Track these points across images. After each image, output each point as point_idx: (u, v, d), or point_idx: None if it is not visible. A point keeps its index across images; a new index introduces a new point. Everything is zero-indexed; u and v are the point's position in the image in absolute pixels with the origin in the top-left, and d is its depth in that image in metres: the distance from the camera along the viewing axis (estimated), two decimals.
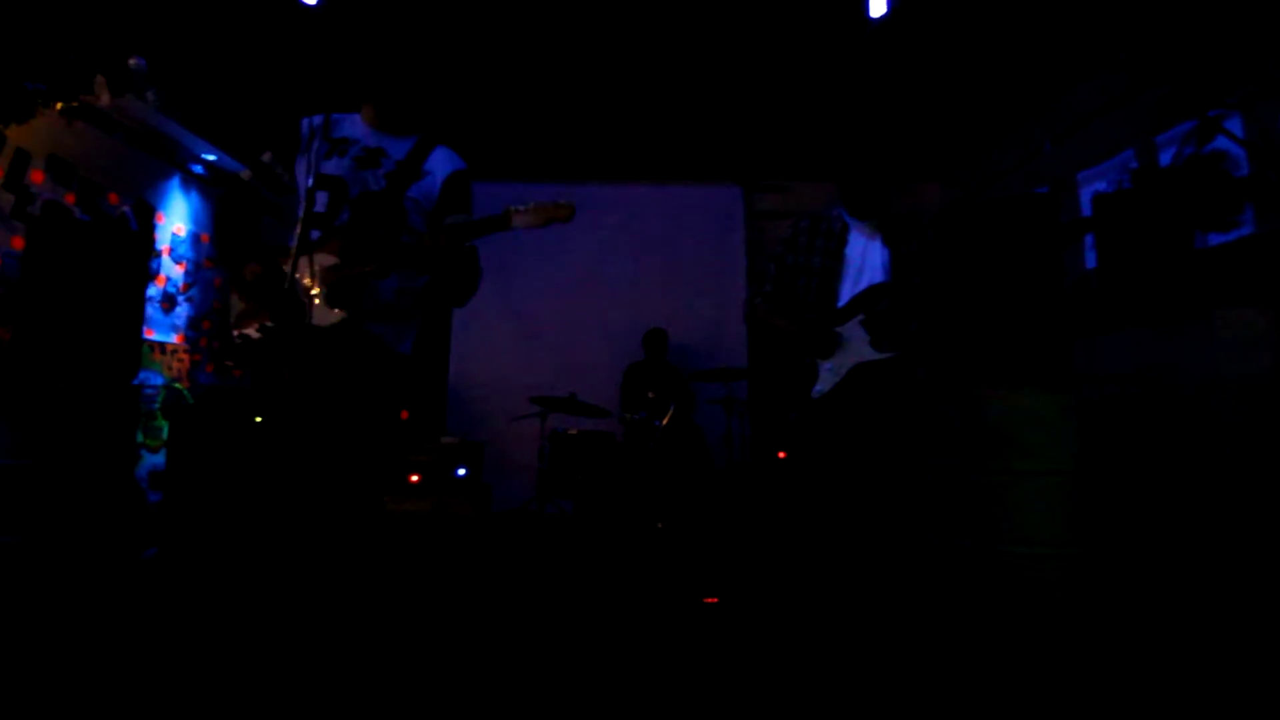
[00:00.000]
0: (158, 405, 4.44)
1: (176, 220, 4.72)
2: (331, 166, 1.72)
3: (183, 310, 4.76)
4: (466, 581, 3.03)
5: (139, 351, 2.94)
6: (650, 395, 4.62)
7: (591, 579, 3.10)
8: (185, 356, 4.75)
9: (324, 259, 1.62)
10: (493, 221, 1.62)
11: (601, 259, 5.78)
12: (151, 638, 2.20)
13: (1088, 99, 4.11)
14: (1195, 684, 1.77)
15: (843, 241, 2.39)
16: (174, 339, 4.67)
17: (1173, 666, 1.86)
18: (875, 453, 2.26)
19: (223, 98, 4.44)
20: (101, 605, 2.40)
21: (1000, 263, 2.03)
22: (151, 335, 4.43)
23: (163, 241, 4.60)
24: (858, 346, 2.30)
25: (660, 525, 4.08)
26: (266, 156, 1.75)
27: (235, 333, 1.67)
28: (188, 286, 4.80)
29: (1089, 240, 3.99)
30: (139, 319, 2.94)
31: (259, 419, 3.09)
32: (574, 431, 4.61)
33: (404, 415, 1.71)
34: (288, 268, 1.56)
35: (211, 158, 4.77)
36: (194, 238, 4.89)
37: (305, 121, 1.79)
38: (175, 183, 4.70)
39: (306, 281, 1.60)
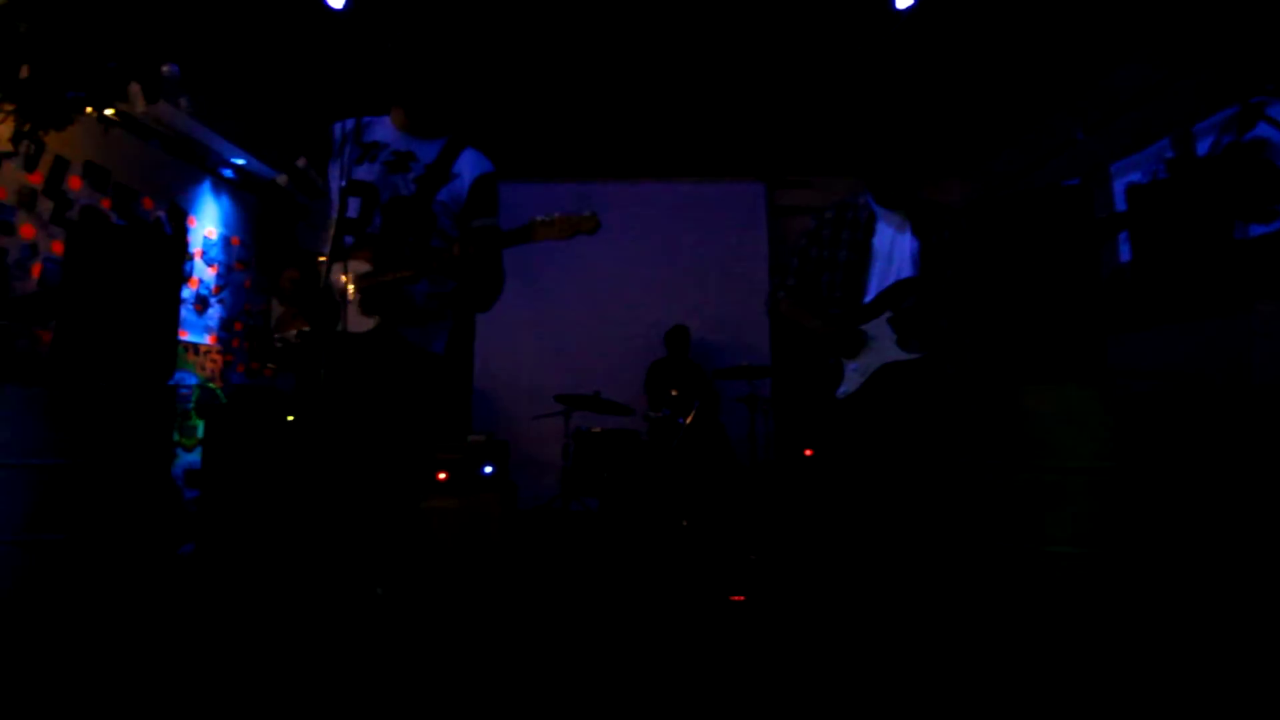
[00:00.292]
0: (192, 404, 4.55)
1: (208, 224, 4.82)
2: (363, 172, 1.74)
3: (215, 312, 4.86)
4: (496, 578, 3.06)
5: (174, 352, 3.01)
6: (674, 393, 4.61)
7: (618, 576, 3.11)
8: (218, 357, 4.86)
9: (358, 265, 1.65)
10: (517, 234, 1.64)
11: (624, 257, 5.78)
12: (191, 632, 2.25)
13: (1121, 88, 4.01)
14: (1241, 683, 1.73)
15: (870, 232, 2.25)
16: (207, 340, 4.77)
17: (1215, 666, 1.82)
18: (903, 456, 2.15)
19: (251, 103, 4.52)
20: (143, 600, 2.47)
21: (1035, 256, 1.99)
22: (185, 336, 4.53)
23: (195, 245, 4.70)
24: (885, 346, 2.19)
25: (685, 523, 4.08)
26: (301, 162, 1.77)
27: (275, 336, 1.70)
28: (219, 288, 4.90)
29: (1123, 232, 3.90)
30: (174, 321, 3.01)
31: (293, 419, 3.15)
32: (598, 430, 4.62)
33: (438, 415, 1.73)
34: (323, 272, 1.59)
35: (241, 162, 4.86)
36: (225, 241, 4.99)
37: (337, 126, 1.81)
38: (206, 187, 4.79)
39: (343, 285, 1.62)
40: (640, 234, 5.82)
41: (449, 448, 3.86)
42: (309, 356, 1.65)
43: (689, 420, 4.36)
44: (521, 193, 4.05)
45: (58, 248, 3.54)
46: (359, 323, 1.64)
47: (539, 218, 1.62)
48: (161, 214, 4.39)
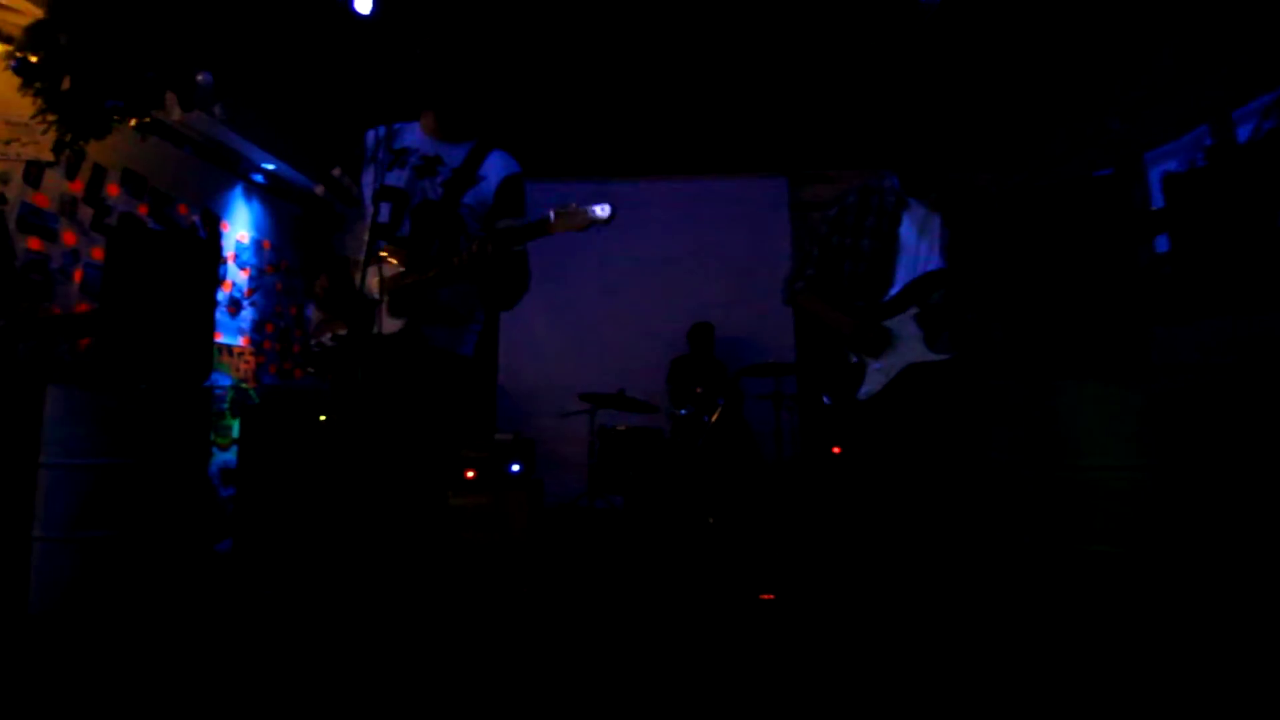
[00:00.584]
0: (226, 405, 4.65)
1: (240, 228, 4.92)
2: (393, 178, 1.78)
3: (247, 314, 4.96)
4: (525, 575, 3.09)
5: (211, 354, 3.09)
6: (698, 390, 4.61)
7: (648, 573, 3.12)
8: (250, 358, 4.96)
9: (388, 269, 1.68)
10: (533, 228, 1.65)
11: (646, 254, 5.79)
12: (234, 626, 2.31)
13: (1155, 74, 3.91)
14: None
15: (896, 220, 2.11)
16: (240, 341, 4.87)
17: (1255, 666, 1.78)
18: (929, 462, 2.02)
19: (281, 109, 4.60)
20: (186, 595, 2.54)
21: (1072, 248, 1.95)
22: (219, 338, 4.63)
23: (228, 248, 4.80)
24: (911, 345, 2.04)
25: (711, 521, 4.08)
26: (336, 171, 1.83)
27: (312, 341, 1.75)
28: (251, 291, 5.00)
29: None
30: (210, 323, 3.09)
31: (327, 418, 3.21)
32: (623, 427, 4.64)
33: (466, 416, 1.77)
34: (355, 277, 1.63)
35: (271, 167, 4.96)
36: (256, 244, 5.09)
37: (370, 133, 1.86)
38: (238, 191, 4.89)
39: (374, 288, 1.66)
40: (662, 231, 5.82)
41: (477, 446, 3.91)
42: (344, 360, 1.69)
43: (714, 419, 4.35)
44: (543, 192, 4.06)
45: (98, 253, 3.64)
46: (388, 324, 1.68)
47: (554, 210, 1.63)
48: (196, 219, 4.49)
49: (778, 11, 3.78)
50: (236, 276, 4.87)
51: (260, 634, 2.24)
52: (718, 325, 5.28)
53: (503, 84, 4.44)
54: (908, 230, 2.10)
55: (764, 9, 3.76)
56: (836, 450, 4.04)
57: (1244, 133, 3.38)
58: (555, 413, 5.04)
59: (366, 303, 1.65)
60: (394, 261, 1.69)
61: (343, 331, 1.69)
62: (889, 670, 1.88)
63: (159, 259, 2.91)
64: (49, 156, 3.24)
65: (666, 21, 3.85)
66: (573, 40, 4.02)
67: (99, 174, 3.74)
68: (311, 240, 1.84)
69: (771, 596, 2.62)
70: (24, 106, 2.93)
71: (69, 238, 3.57)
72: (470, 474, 3.72)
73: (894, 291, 2.10)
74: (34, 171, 3.33)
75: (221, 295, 4.70)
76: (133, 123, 3.16)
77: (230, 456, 4.52)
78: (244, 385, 4.84)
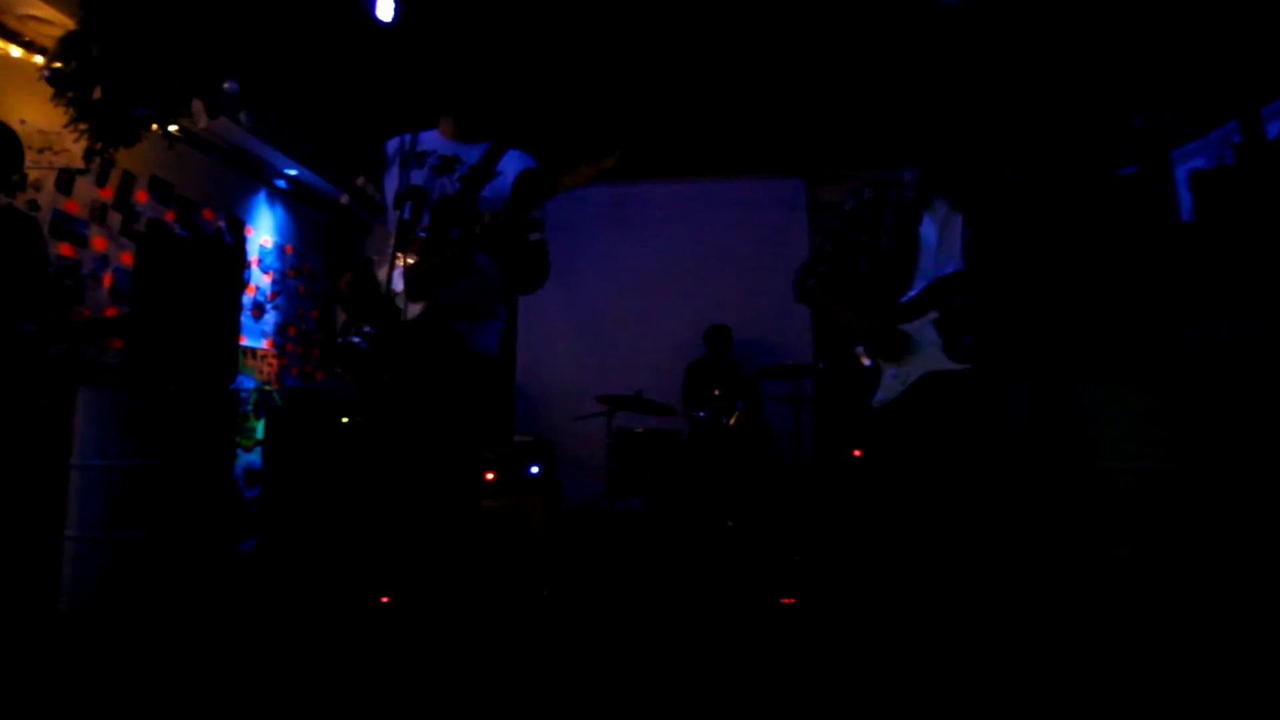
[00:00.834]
0: (250, 407, 4.72)
1: (264, 233, 5.00)
2: (414, 178, 1.84)
3: (270, 317, 5.04)
4: (546, 578, 3.10)
5: (236, 357, 3.14)
6: (716, 393, 4.60)
7: (667, 577, 3.12)
8: (274, 361, 5.04)
9: (408, 259, 1.73)
10: (542, 189, 1.66)
11: (662, 256, 5.79)
12: (262, 624, 2.35)
13: (1182, 70, 3.84)
14: None
15: (916, 218, 2.01)
16: (263, 344, 4.95)
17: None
18: (950, 469, 1.93)
19: (303, 116, 4.67)
20: (217, 594, 2.58)
21: (1098, 248, 1.92)
22: (244, 341, 4.71)
23: (251, 253, 4.88)
24: (930, 352, 1.96)
25: (730, 524, 4.07)
26: (359, 180, 1.89)
27: (339, 340, 1.79)
28: (275, 295, 5.08)
29: (1186, 215, 3.73)
30: (236, 327, 3.14)
31: (357, 418, 3.25)
32: (640, 430, 4.64)
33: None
34: (378, 274, 1.66)
35: (293, 172, 5.03)
36: (279, 249, 5.17)
37: (390, 142, 1.94)
38: (261, 197, 4.97)
39: (396, 283, 1.70)
40: (678, 233, 5.82)
41: (497, 448, 3.94)
42: (372, 359, 1.73)
43: (732, 421, 4.34)
44: (561, 194, 4.09)
45: (126, 259, 3.72)
46: (410, 310, 1.72)
47: (560, 171, 1.65)
48: (221, 224, 4.57)
49: (793, 8, 3.76)
50: (260, 280, 4.95)
51: (286, 633, 2.27)
52: (735, 327, 5.27)
53: (518, 87, 4.47)
54: (928, 229, 2.02)
55: (779, 6, 3.74)
56: (857, 453, 4.00)
57: (1274, 129, 3.31)
58: (572, 414, 5.06)
59: (391, 297, 1.69)
60: (413, 250, 1.74)
61: (368, 328, 1.73)
62: (913, 677, 1.87)
63: (186, 264, 2.97)
64: (80, 164, 3.32)
65: (679, 21, 3.85)
66: (586, 42, 4.03)
67: (128, 181, 3.82)
68: (338, 247, 1.90)
69: (793, 601, 2.61)
70: (56, 116, 3.00)
71: (99, 243, 3.65)
72: (490, 476, 3.75)
73: (913, 293, 2.02)
74: (65, 179, 3.41)
75: (245, 299, 4.78)
76: (160, 130, 3.23)
77: (253, 458, 4.59)
78: (267, 387, 4.91)
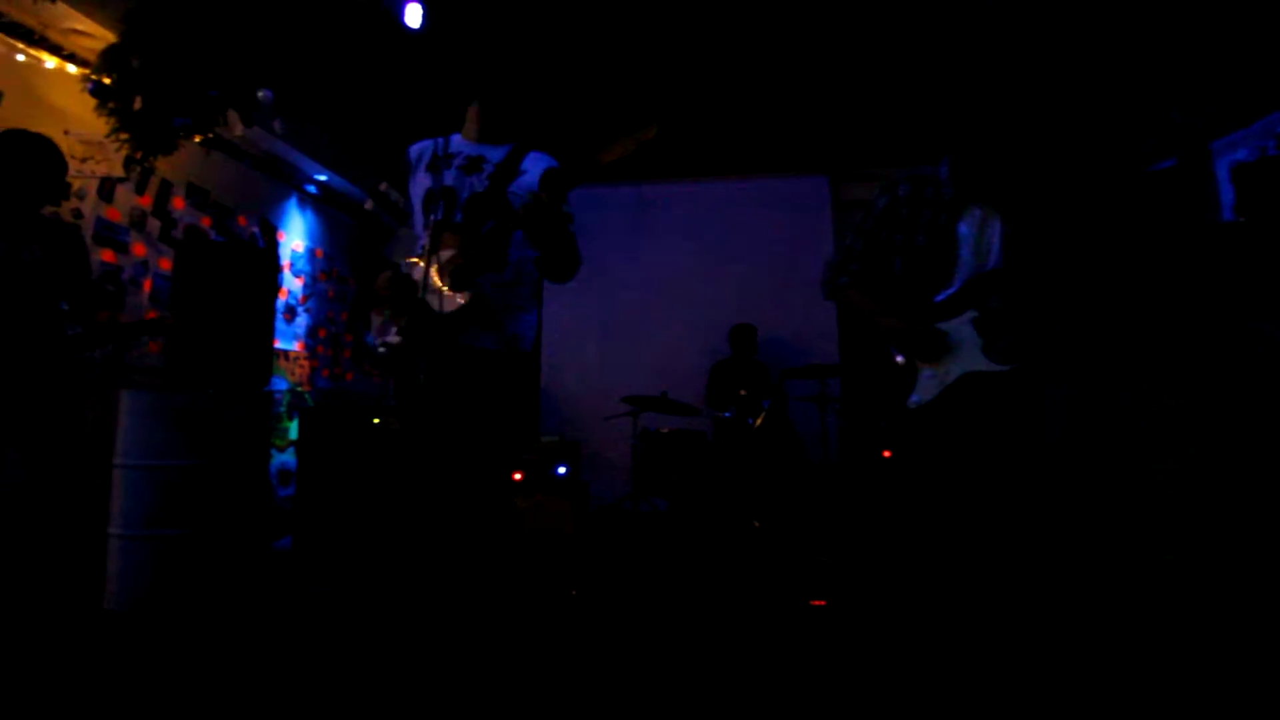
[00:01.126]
0: (283, 408, 4.82)
1: (295, 237, 5.10)
2: (443, 179, 1.88)
3: (302, 320, 5.13)
4: (574, 579, 3.12)
5: (271, 360, 3.21)
6: (741, 393, 4.58)
7: (695, 578, 3.11)
8: (305, 362, 5.13)
9: (444, 254, 1.75)
10: (585, 167, 1.68)
11: (686, 256, 5.79)
12: (300, 620, 2.39)
13: (1222, 59, 3.73)
14: None
15: (954, 215, 1.97)
16: (295, 346, 5.05)
17: None
18: (986, 475, 1.90)
19: (333, 122, 4.75)
20: (258, 591, 2.64)
21: (1143, 246, 1.87)
22: (277, 344, 4.81)
23: (284, 257, 4.98)
24: (969, 352, 1.92)
25: (757, 524, 4.05)
26: (383, 186, 1.92)
27: (378, 342, 1.82)
28: (306, 298, 5.18)
29: (1228, 210, 3.62)
30: (270, 330, 3.21)
31: (390, 420, 3.30)
32: (666, 430, 4.64)
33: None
34: (412, 273, 1.69)
35: (323, 178, 5.12)
36: (310, 253, 5.26)
37: (412, 148, 1.97)
38: (293, 202, 5.07)
39: (434, 279, 1.73)
40: (702, 233, 5.82)
41: (525, 449, 3.97)
42: (408, 360, 1.75)
43: (759, 422, 4.32)
44: (583, 196, 4.10)
45: (165, 264, 3.82)
46: (449, 304, 1.75)
47: (598, 151, 1.66)
48: (255, 229, 4.67)
49: (817, 6, 3.73)
50: (292, 284, 5.04)
51: (320, 629, 2.32)
52: (759, 326, 5.24)
53: (542, 88, 4.50)
54: (967, 226, 1.98)
55: (803, 4, 3.71)
56: (887, 454, 3.96)
57: None
58: (597, 414, 5.08)
59: (429, 293, 1.72)
60: (449, 245, 1.75)
61: (403, 326, 1.75)
62: (946, 682, 1.84)
63: (223, 270, 3.05)
64: (120, 172, 3.42)
65: (702, 21, 3.84)
66: (611, 42, 4.04)
67: (165, 188, 3.92)
68: (364, 251, 1.93)
69: (824, 603, 2.59)
70: (99, 126, 3.09)
71: (139, 249, 3.75)
72: (518, 476, 3.78)
73: (950, 291, 1.99)
74: (107, 187, 3.52)
75: (278, 302, 4.87)
76: (197, 139, 3.31)
77: (287, 458, 4.68)
78: (300, 389, 5.00)
